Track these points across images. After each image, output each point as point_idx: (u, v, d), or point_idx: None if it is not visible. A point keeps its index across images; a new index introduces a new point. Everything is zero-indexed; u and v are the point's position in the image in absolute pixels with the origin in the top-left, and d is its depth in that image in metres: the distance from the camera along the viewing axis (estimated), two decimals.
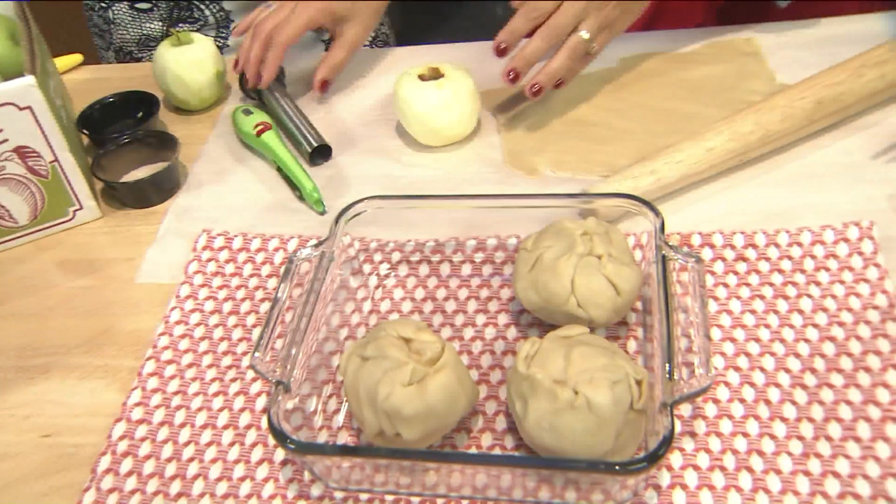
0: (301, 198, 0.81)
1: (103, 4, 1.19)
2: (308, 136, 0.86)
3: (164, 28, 1.18)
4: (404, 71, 0.84)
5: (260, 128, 0.86)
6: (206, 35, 1.17)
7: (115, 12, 1.18)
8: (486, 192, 0.79)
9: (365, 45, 1.26)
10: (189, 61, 0.92)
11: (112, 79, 1.05)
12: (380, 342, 0.56)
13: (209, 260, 0.75)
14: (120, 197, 0.84)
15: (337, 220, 0.66)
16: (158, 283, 0.75)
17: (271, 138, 0.85)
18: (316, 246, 0.65)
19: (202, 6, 1.16)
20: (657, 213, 0.62)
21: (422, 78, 0.83)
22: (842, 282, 0.64)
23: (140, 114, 0.93)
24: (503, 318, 0.66)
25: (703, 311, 0.55)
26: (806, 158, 0.76)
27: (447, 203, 0.68)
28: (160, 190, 0.84)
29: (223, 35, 1.18)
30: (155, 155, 0.87)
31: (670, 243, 0.60)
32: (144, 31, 1.19)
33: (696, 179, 0.74)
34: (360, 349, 0.57)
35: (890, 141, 0.76)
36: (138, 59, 1.22)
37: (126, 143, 0.86)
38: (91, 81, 1.06)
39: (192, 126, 0.95)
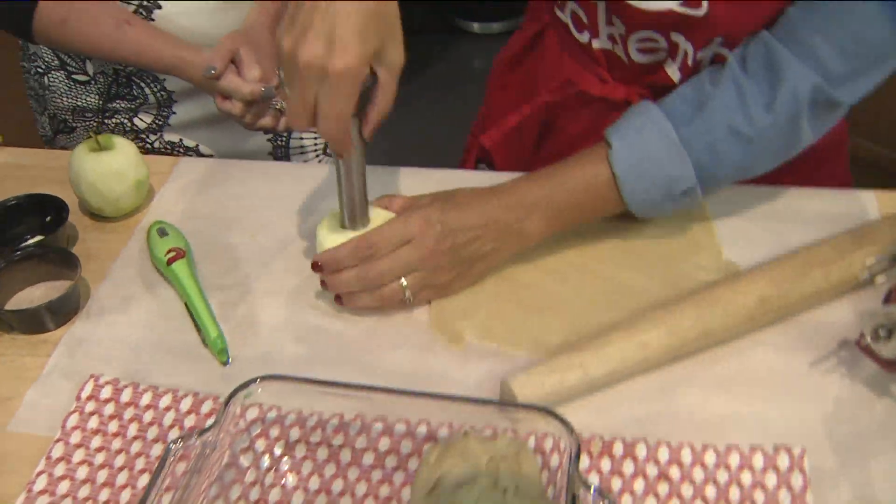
0: (206, 343, 0.75)
1: (39, 69, 1.13)
2: None
3: (101, 102, 1.12)
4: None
5: (171, 255, 0.80)
6: (145, 116, 1.11)
7: (51, 79, 1.12)
8: (404, 359, 0.73)
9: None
10: (107, 170, 0.85)
11: (31, 166, 0.98)
12: None
13: (92, 413, 0.68)
14: (7, 321, 0.77)
15: (227, 404, 0.60)
16: (34, 434, 0.68)
17: (182, 269, 0.79)
18: (201, 433, 0.59)
19: (142, 84, 1.10)
20: (574, 435, 0.57)
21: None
22: None
23: (49, 217, 0.86)
24: None
25: None
26: (744, 355, 0.72)
27: (348, 391, 0.62)
28: (56, 316, 0.77)
29: (164, 114, 1.12)
30: (55, 272, 0.80)
31: (584, 470, 0.55)
32: (80, 103, 1.13)
33: (626, 375, 0.69)
34: None
35: (830, 346, 0.72)
36: (72, 129, 1.15)
37: (21, 260, 0.79)
38: (5, 168, 0.98)
39: (106, 235, 0.88)
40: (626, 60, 0.85)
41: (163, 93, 1.11)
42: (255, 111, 1.03)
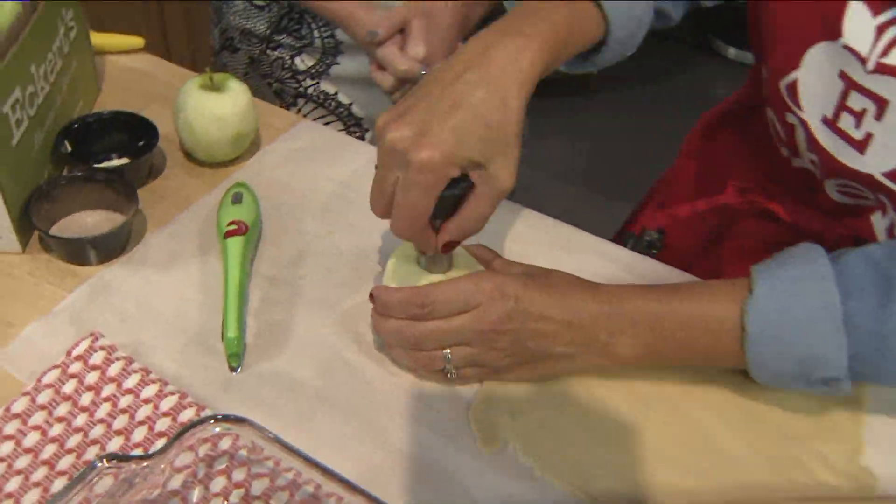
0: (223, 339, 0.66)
1: None
2: None
3: (267, 31, 1.06)
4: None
5: (232, 228, 0.72)
6: (307, 58, 1.04)
7: None
8: (420, 440, 0.61)
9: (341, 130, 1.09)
10: (208, 113, 0.77)
11: (160, 79, 0.93)
12: None
13: (73, 376, 0.61)
14: (48, 245, 0.72)
15: (172, 443, 0.50)
16: (11, 375, 0.62)
17: (234, 247, 0.70)
18: (140, 458, 0.50)
19: (313, 25, 1.02)
20: None
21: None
22: None
23: (143, 142, 0.80)
24: None
25: None
26: None
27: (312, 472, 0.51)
28: (99, 251, 0.71)
29: (327, 62, 1.05)
30: (115, 201, 0.74)
31: None
32: (248, 25, 1.07)
33: None
34: None
35: None
36: (237, 49, 1.10)
37: (81, 180, 0.73)
38: (135, 73, 0.94)
39: (191, 178, 0.81)
40: (826, 192, 0.68)
41: (330, 39, 1.03)
42: (406, 91, 0.93)
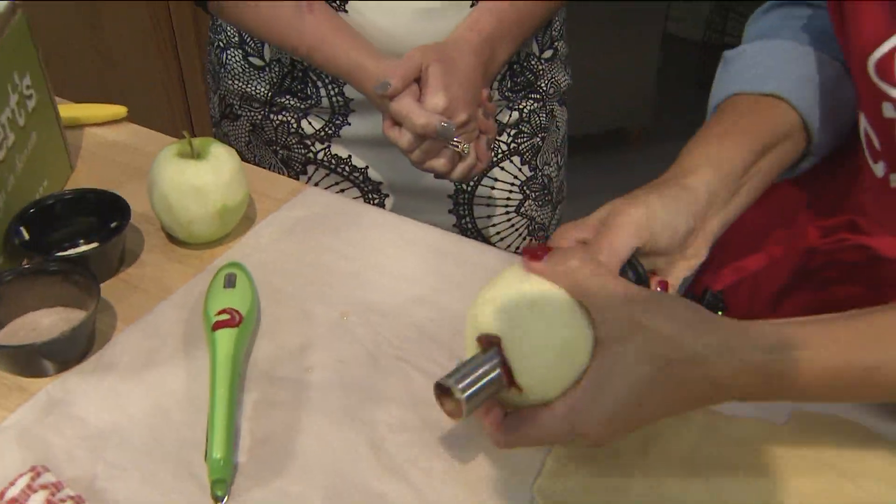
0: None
1: (221, 44, 0.97)
2: None
3: (269, 94, 0.94)
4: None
5: (223, 318, 0.58)
6: (315, 120, 0.92)
7: (229, 57, 0.96)
8: None
9: None
10: (185, 185, 0.65)
11: (143, 151, 0.81)
12: None
13: None
14: None
15: None
16: None
17: (224, 342, 0.56)
18: None
19: (319, 84, 0.90)
20: None
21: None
22: None
23: (115, 223, 0.67)
24: None
25: None
26: None
27: None
28: (54, 360, 0.57)
29: (337, 123, 0.92)
30: (76, 297, 0.60)
31: None
32: (249, 89, 0.95)
33: None
34: None
35: None
36: (237, 117, 0.99)
37: (32, 274, 0.60)
38: (116, 147, 0.82)
39: (170, 263, 0.68)
40: None
41: (339, 98, 0.90)
42: (426, 148, 0.79)
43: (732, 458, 0.54)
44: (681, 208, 0.55)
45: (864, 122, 0.60)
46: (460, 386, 0.46)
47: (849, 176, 0.64)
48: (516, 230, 1.03)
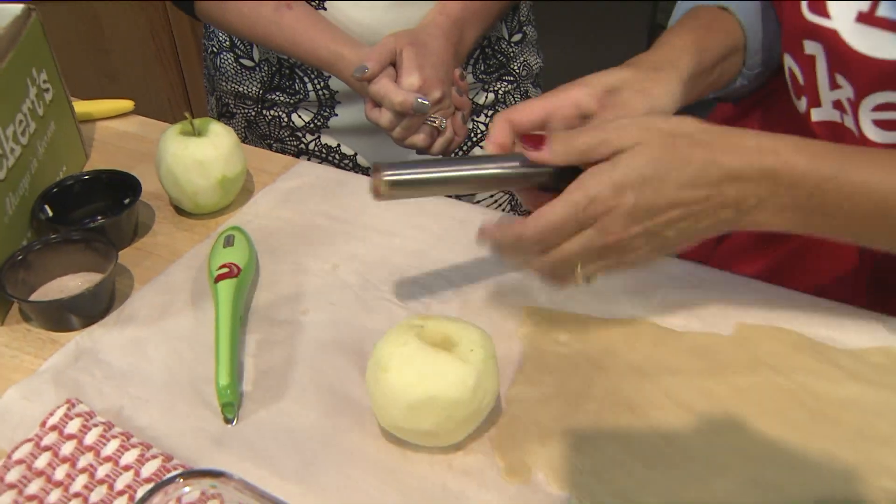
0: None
1: (214, 49, 1.05)
2: None
3: (260, 92, 1.02)
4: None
5: (223, 271, 0.66)
6: (304, 113, 0.99)
7: (222, 60, 1.03)
8: (430, 477, 0.53)
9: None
10: (189, 160, 0.72)
11: (150, 138, 0.89)
12: None
13: (46, 449, 0.54)
14: (27, 317, 0.66)
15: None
16: None
17: (225, 291, 0.64)
18: None
19: (305, 79, 0.98)
20: None
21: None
22: None
23: (128, 199, 0.75)
24: None
25: None
26: None
27: None
28: (79, 314, 0.65)
29: (324, 114, 1.00)
30: (97, 261, 0.68)
31: None
32: (241, 89, 1.03)
33: None
34: None
35: None
36: (233, 115, 1.06)
37: (59, 244, 0.68)
38: (125, 136, 0.90)
39: (180, 231, 0.76)
40: (857, 136, 0.59)
41: (325, 91, 0.98)
42: (406, 125, 0.86)
43: (679, 364, 0.60)
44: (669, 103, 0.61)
45: (788, 61, 0.66)
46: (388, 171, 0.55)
47: (780, 116, 0.70)
48: (499, 206, 1.09)
